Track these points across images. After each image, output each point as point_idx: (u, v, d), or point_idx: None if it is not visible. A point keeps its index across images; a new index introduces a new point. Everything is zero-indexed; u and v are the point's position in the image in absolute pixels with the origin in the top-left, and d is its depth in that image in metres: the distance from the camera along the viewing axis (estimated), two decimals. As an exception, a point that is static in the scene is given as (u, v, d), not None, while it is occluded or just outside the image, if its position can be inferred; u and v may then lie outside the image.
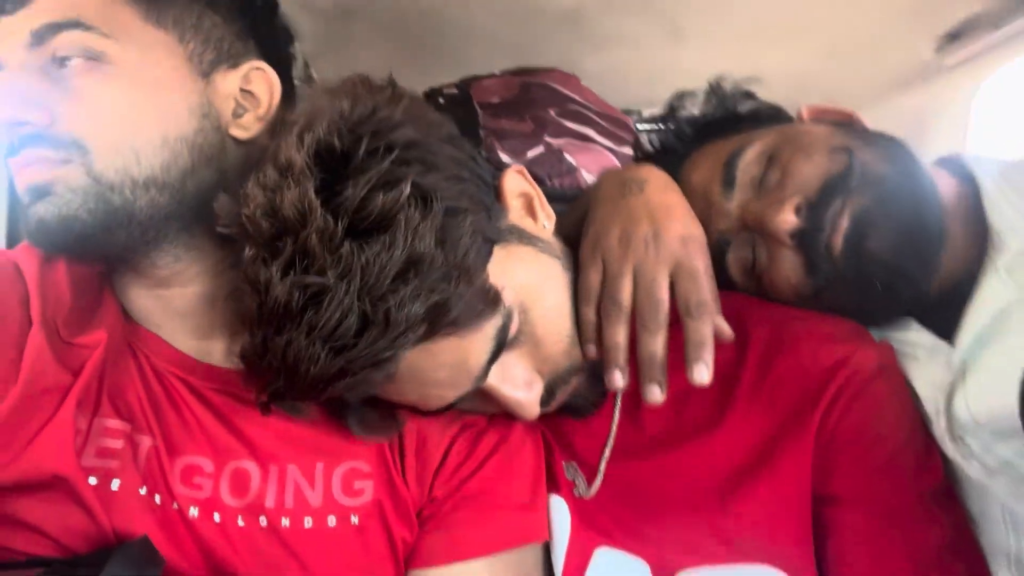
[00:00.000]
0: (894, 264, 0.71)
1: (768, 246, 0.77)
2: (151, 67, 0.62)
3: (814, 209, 0.72)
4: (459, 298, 0.57)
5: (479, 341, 0.60)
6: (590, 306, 0.68)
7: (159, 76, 0.62)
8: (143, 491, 0.61)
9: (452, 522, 0.69)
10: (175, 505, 0.62)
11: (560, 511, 0.75)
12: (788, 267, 0.76)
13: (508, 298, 0.62)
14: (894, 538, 0.67)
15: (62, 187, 0.59)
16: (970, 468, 0.69)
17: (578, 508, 0.75)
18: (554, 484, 0.77)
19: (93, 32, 0.59)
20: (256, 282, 0.54)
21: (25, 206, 0.59)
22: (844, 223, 0.72)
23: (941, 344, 0.72)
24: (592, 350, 0.67)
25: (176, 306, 0.67)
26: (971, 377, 0.69)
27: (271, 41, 0.71)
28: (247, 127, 0.67)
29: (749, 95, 0.94)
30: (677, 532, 0.72)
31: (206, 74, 0.65)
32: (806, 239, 0.73)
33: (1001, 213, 0.72)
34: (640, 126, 1.76)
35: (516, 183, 0.71)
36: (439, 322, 0.56)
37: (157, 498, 0.62)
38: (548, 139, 1.16)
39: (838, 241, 0.72)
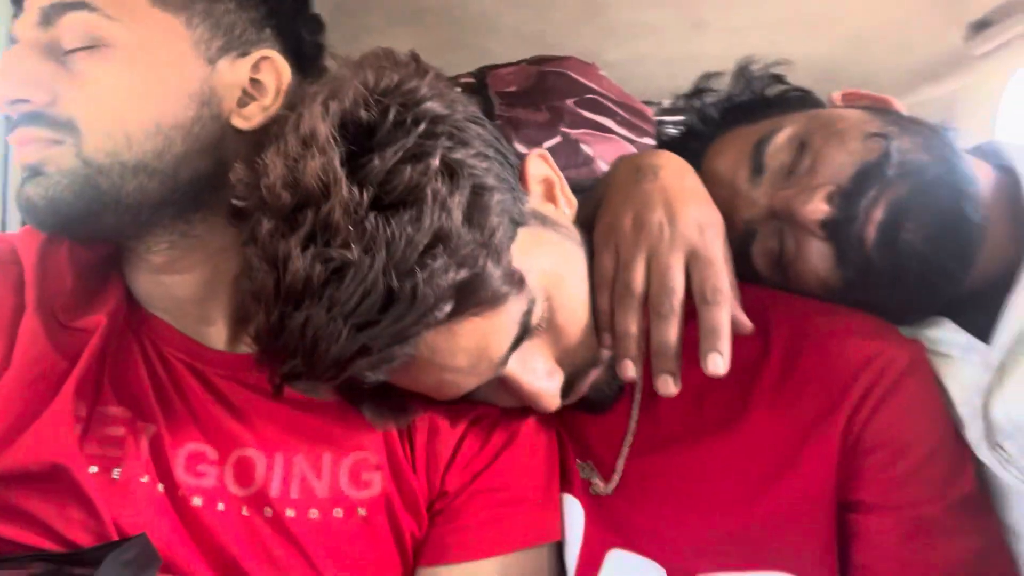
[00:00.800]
0: (930, 258, 0.68)
1: (797, 236, 0.74)
2: (154, 50, 0.61)
3: (847, 198, 0.69)
4: (487, 276, 0.55)
5: (503, 325, 0.58)
6: (604, 294, 0.66)
7: (161, 60, 0.61)
8: (145, 479, 0.60)
9: (464, 519, 0.67)
10: (179, 494, 0.61)
11: (574, 511, 0.73)
12: (817, 258, 0.73)
13: (532, 283, 0.60)
14: (922, 548, 0.64)
15: (52, 168, 0.58)
16: (1008, 476, 0.66)
17: (592, 508, 0.73)
18: (568, 483, 0.75)
19: (98, 13, 0.59)
20: (274, 257, 0.52)
21: (19, 185, 0.60)
22: (879, 213, 0.68)
23: (977, 344, 0.68)
24: (607, 339, 0.66)
25: (176, 292, 0.66)
26: (1010, 379, 0.65)
27: (293, 30, 0.70)
28: (249, 117, 0.65)
29: (778, 78, 0.91)
30: (694, 534, 0.69)
31: (212, 60, 0.63)
32: (838, 229, 0.70)
33: None
34: (661, 118, 1.74)
35: (539, 167, 0.69)
36: (466, 300, 0.54)
37: (160, 487, 0.61)
38: (565, 129, 1.14)
39: (871, 232, 0.69)
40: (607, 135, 1.15)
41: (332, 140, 0.52)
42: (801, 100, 0.87)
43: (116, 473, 0.60)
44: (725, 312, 0.62)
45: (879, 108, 0.79)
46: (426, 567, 0.67)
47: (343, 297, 0.50)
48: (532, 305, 0.60)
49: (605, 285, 0.66)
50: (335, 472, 0.65)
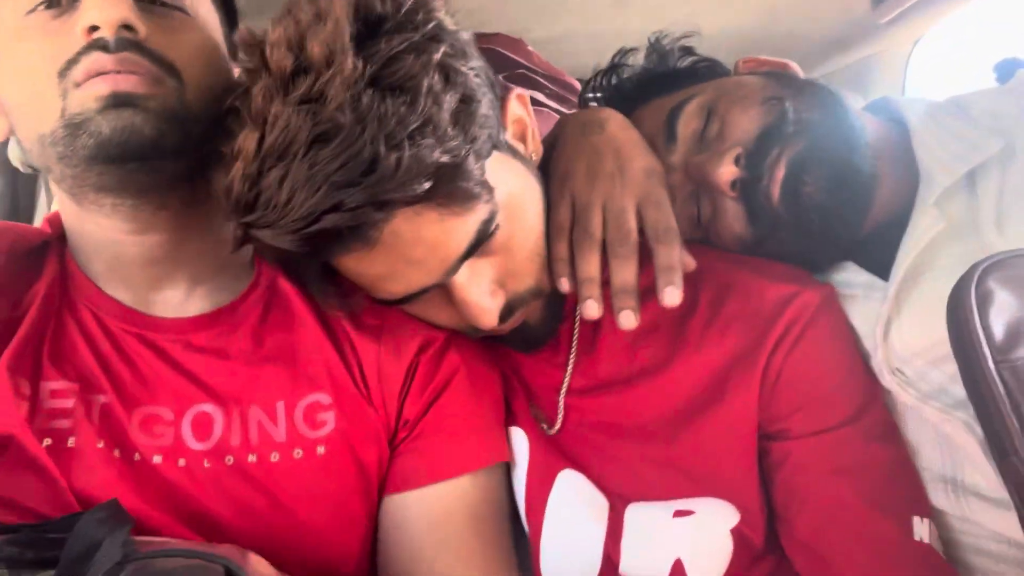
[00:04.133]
0: (829, 207, 0.74)
1: (712, 198, 0.79)
2: (213, 18, 0.67)
3: (752, 158, 0.75)
4: (466, 169, 0.58)
5: (465, 226, 0.61)
6: (563, 241, 0.70)
7: (216, 26, 0.67)
8: (101, 445, 0.62)
9: (424, 444, 0.71)
10: (136, 456, 0.63)
11: (519, 440, 0.78)
12: (732, 217, 0.78)
13: (497, 198, 0.63)
14: (839, 468, 0.71)
15: (155, 104, 0.58)
16: (907, 396, 0.73)
17: (537, 439, 0.78)
18: (511, 415, 0.79)
19: None
20: (263, 116, 0.55)
21: (96, 110, 0.57)
22: (781, 171, 0.75)
23: (876, 281, 0.75)
24: (566, 284, 0.69)
25: (134, 255, 0.67)
26: (906, 309, 0.72)
27: None
28: None
29: (688, 51, 0.96)
30: (628, 466, 0.75)
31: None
32: (746, 189, 0.76)
33: (929, 150, 0.75)
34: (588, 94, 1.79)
35: (518, 108, 0.72)
36: (443, 185, 0.57)
37: (117, 451, 0.63)
38: (497, 104, 1.17)
39: (776, 189, 0.75)
40: (539, 108, 1.19)
41: (345, 17, 0.55)
42: (710, 70, 0.93)
43: (71, 442, 0.61)
44: (676, 249, 0.67)
45: (778, 73, 0.86)
46: (394, 495, 0.70)
47: (327, 157, 0.53)
48: (493, 217, 0.63)
49: (562, 233, 0.70)
50: (290, 416, 0.68)
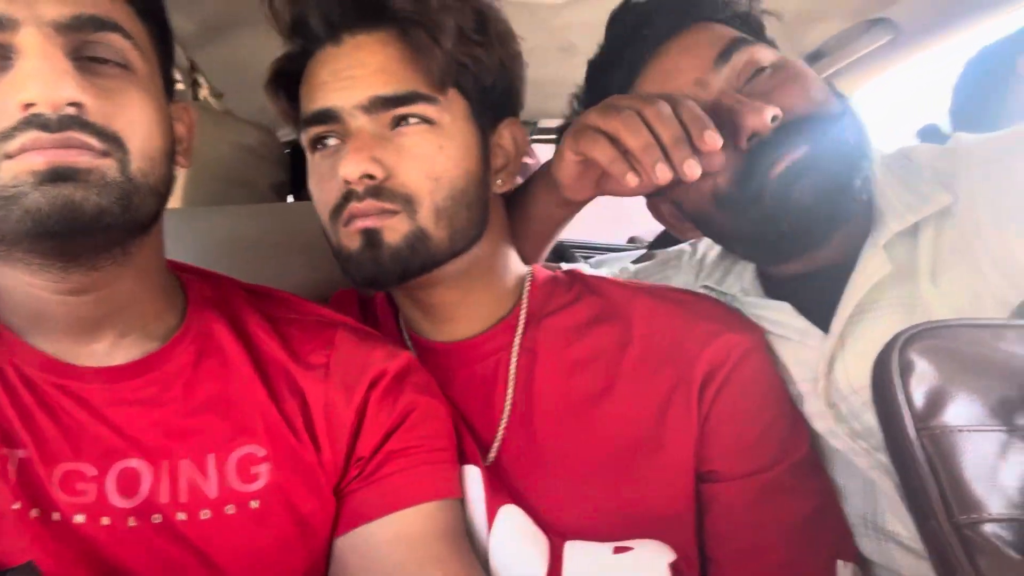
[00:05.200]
0: (811, 210, 0.74)
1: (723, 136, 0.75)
2: (157, 81, 0.64)
3: (783, 130, 0.73)
4: (442, 40, 0.70)
5: (404, 71, 0.71)
6: (606, 145, 0.72)
7: (160, 91, 0.65)
8: (17, 506, 0.59)
9: (382, 476, 0.70)
10: (56, 515, 0.60)
11: (472, 476, 0.77)
12: (728, 165, 0.75)
13: (442, 114, 0.72)
14: (766, 511, 0.72)
15: (96, 178, 0.56)
16: (837, 439, 0.76)
17: (487, 474, 0.77)
18: (462, 454, 0.78)
19: (131, 41, 0.61)
20: None
21: (32, 184, 0.54)
22: (795, 155, 0.73)
23: (812, 329, 0.78)
24: (632, 178, 0.70)
25: (60, 313, 0.64)
26: (849, 345, 0.75)
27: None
28: (181, 139, 0.69)
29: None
30: (569, 504, 0.75)
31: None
32: (757, 149, 0.74)
33: (885, 197, 0.78)
34: (535, 137, 1.83)
35: (520, 138, 0.80)
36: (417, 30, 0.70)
37: (34, 511, 0.59)
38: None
39: (781, 166, 0.73)
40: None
41: None
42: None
43: None
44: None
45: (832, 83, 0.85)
46: (349, 532, 0.68)
47: None
48: (430, 99, 0.71)
49: (599, 140, 0.72)
50: (222, 470, 0.65)
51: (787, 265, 0.83)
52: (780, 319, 0.80)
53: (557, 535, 0.75)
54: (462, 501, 0.75)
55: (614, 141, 0.71)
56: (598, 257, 2.10)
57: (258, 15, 1.16)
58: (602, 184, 0.81)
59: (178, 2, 1.06)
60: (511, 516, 0.75)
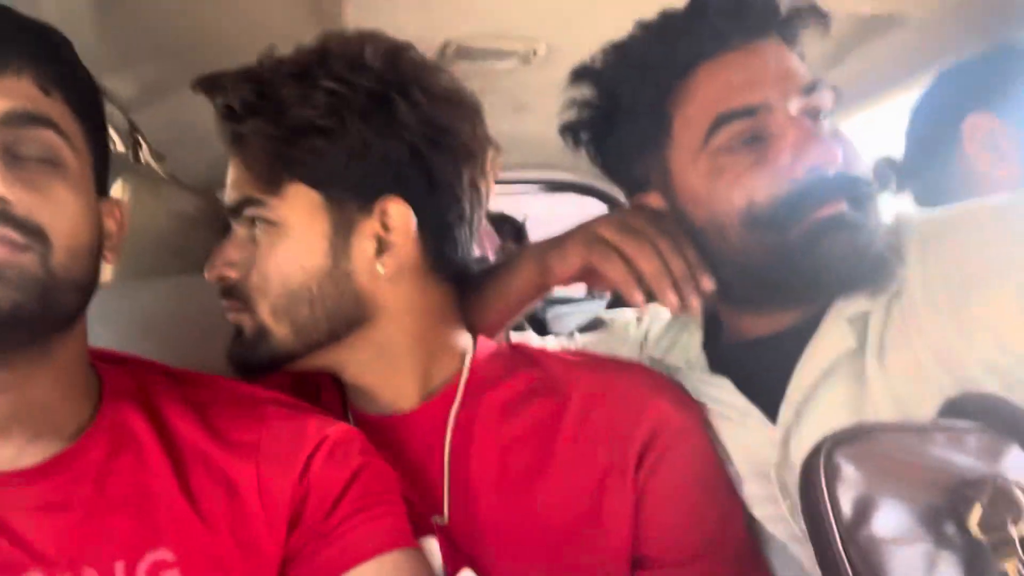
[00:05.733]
0: (832, 270, 0.71)
1: (775, 142, 0.73)
2: (87, 173, 0.64)
3: (840, 179, 0.71)
4: (316, 147, 0.71)
5: (254, 167, 0.73)
6: (620, 264, 0.76)
7: (89, 186, 0.64)
8: None
9: (338, 535, 0.67)
10: None
11: (432, 548, 0.75)
12: (771, 186, 0.72)
13: (285, 211, 0.73)
14: None
15: (14, 272, 0.56)
16: (776, 525, 0.74)
17: (443, 540, 0.75)
18: (417, 528, 0.75)
19: (61, 137, 0.60)
20: None
21: None
22: (841, 206, 0.71)
23: (753, 409, 0.76)
24: (639, 296, 0.75)
25: None
26: (804, 422, 0.73)
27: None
28: (109, 235, 0.69)
29: None
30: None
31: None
32: (815, 184, 0.71)
33: None
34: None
35: (402, 218, 0.74)
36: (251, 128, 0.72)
37: None
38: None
39: (827, 211, 0.71)
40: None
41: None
42: None
43: None
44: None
45: None
46: None
47: None
48: (260, 203, 0.73)
49: (616, 263, 0.76)
50: None
51: (755, 319, 0.80)
52: (721, 397, 0.79)
53: None
54: (420, 552, 0.72)
55: (627, 261, 0.76)
56: (555, 310, 2.11)
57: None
58: (591, 283, 0.87)
59: (117, 64, 1.06)
60: None
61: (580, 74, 0.82)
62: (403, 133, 0.72)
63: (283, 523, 0.67)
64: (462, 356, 0.82)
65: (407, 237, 0.74)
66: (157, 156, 1.12)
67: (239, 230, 0.76)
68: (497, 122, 1.48)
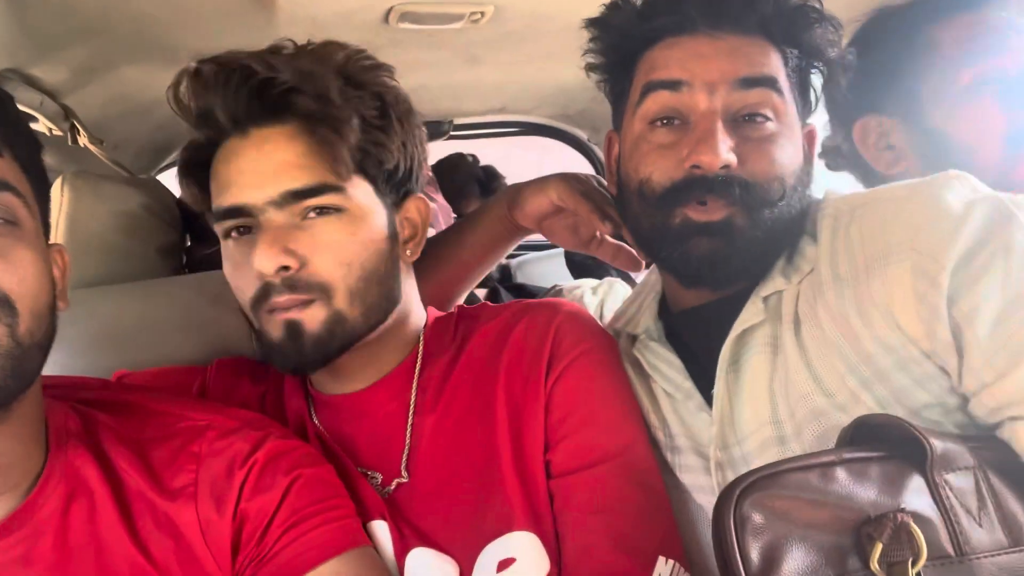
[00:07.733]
0: (697, 268, 0.76)
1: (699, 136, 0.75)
2: (41, 237, 0.64)
3: (728, 182, 0.73)
4: (380, 142, 0.77)
5: (311, 162, 0.73)
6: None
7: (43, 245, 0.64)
8: None
9: (279, 549, 0.70)
10: None
11: (382, 533, 0.78)
12: (672, 168, 0.76)
13: (350, 201, 0.75)
14: (596, 508, 0.74)
15: None
16: (702, 498, 0.80)
17: (393, 520, 0.79)
18: (366, 511, 0.79)
19: (21, 199, 0.61)
20: None
21: None
22: (719, 213, 0.74)
23: (696, 395, 0.80)
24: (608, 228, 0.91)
25: None
26: (736, 406, 0.77)
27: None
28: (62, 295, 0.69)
29: None
30: (463, 519, 0.77)
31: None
32: (697, 181, 0.74)
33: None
34: (453, 133, 1.83)
35: (424, 210, 0.84)
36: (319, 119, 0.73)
37: None
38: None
39: (697, 214, 0.74)
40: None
41: None
42: None
43: None
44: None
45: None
46: None
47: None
48: (335, 188, 0.74)
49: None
50: None
51: (682, 291, 0.83)
52: (670, 375, 0.82)
53: (462, 555, 0.76)
54: (373, 548, 0.76)
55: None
56: (520, 258, 2.11)
57: (136, 54, 1.10)
58: (545, 228, 0.97)
59: (44, 51, 1.01)
60: (418, 558, 0.77)
61: (590, 23, 0.86)
62: (415, 143, 0.83)
63: (227, 557, 0.70)
64: (419, 328, 0.87)
65: (425, 227, 0.83)
66: (96, 140, 1.09)
67: (279, 220, 0.74)
68: (451, 73, 1.46)
